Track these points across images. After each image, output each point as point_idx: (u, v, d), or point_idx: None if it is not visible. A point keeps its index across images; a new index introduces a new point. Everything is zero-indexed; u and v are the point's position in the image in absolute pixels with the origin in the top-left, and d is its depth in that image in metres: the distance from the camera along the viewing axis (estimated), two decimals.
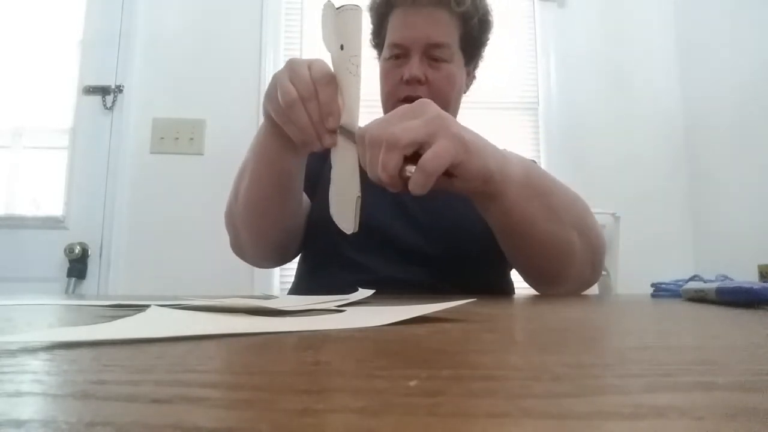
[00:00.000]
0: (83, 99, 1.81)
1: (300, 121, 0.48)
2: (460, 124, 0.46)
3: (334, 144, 0.48)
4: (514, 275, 0.76)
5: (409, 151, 0.42)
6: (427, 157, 0.42)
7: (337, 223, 0.51)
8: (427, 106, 0.45)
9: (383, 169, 0.43)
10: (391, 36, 0.75)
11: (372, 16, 0.81)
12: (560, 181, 0.61)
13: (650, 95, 1.95)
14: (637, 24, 2.00)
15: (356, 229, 0.49)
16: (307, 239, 0.76)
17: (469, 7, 0.74)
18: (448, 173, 0.44)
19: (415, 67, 0.71)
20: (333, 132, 0.48)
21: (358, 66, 0.46)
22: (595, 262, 0.63)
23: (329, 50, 0.47)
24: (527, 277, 0.66)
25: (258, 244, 0.70)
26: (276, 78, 0.50)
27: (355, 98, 0.47)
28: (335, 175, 0.50)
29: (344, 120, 0.47)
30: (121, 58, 1.83)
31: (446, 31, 0.73)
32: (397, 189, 0.44)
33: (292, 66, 0.49)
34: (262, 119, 0.60)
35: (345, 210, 0.49)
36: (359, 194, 0.48)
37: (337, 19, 0.45)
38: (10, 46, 1.83)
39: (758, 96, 1.59)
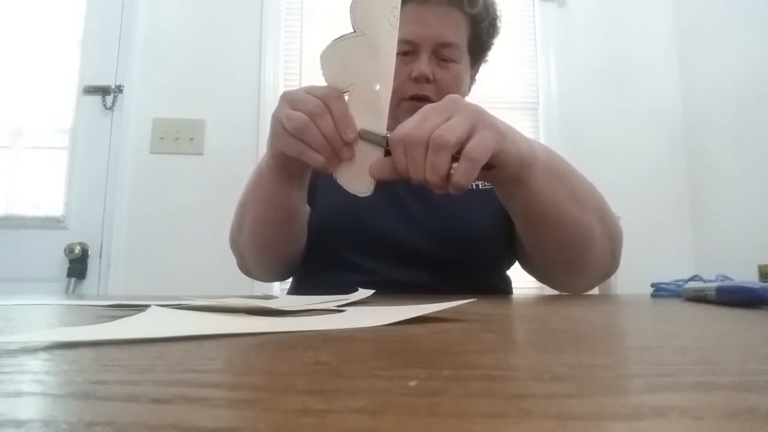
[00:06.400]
0: (83, 99, 1.81)
1: (316, 141, 0.46)
2: (491, 114, 0.47)
3: (353, 157, 0.47)
4: (526, 276, 0.76)
5: (456, 150, 0.43)
6: (471, 146, 0.43)
7: (346, 187, 0.48)
8: (458, 101, 0.46)
9: (434, 171, 0.43)
10: (400, 31, 0.74)
11: None
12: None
13: (650, 95, 1.95)
14: (636, 24, 2.00)
15: (371, 192, 0.47)
16: (307, 243, 0.76)
17: (481, 10, 0.73)
18: (486, 165, 0.44)
19: (424, 65, 0.70)
20: (350, 145, 0.46)
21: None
22: (614, 251, 0.64)
23: (351, 78, 0.46)
24: (548, 267, 0.66)
25: (266, 269, 0.73)
26: (275, 115, 0.49)
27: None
28: None
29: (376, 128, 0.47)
30: (121, 58, 1.83)
31: (457, 31, 0.73)
32: (443, 190, 0.44)
33: (288, 97, 0.48)
34: (261, 119, 0.60)
35: (362, 170, 0.47)
36: (385, 145, 0.46)
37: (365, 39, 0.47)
38: (10, 46, 1.83)
39: (759, 96, 1.59)
